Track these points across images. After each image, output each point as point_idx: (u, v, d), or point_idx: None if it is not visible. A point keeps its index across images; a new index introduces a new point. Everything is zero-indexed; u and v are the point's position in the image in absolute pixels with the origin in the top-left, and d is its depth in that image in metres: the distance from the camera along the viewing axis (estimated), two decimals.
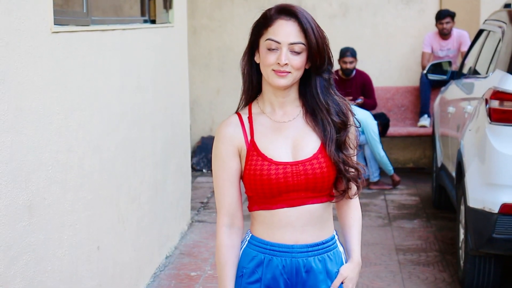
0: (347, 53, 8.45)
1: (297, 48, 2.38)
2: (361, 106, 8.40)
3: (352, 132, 2.46)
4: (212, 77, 9.47)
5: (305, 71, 2.45)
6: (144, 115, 5.25)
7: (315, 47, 2.38)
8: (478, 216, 4.81)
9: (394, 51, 9.38)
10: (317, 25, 2.40)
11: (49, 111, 3.57)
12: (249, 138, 2.43)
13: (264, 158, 2.39)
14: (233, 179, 2.42)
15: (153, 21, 5.66)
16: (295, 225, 2.41)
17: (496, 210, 4.72)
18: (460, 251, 5.39)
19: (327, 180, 2.40)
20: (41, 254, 3.46)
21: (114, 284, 4.57)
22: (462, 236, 5.35)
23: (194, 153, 9.13)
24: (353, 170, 2.42)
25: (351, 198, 2.48)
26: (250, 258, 2.44)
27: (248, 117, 2.46)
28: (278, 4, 2.43)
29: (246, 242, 2.46)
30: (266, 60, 2.40)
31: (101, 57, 4.29)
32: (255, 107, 2.49)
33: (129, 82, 4.88)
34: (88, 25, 4.15)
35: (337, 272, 2.46)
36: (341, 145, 2.42)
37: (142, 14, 5.57)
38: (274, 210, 2.40)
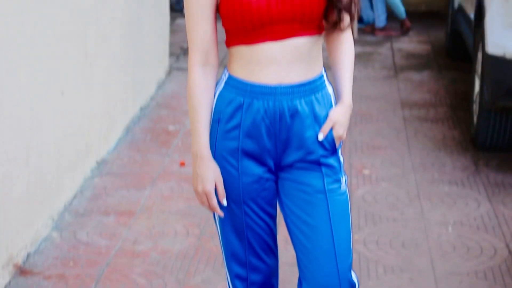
0: None
1: None
2: None
3: None
4: None
5: None
6: None
7: None
8: (498, 64, 4.79)
9: None
10: None
11: None
12: None
13: None
14: (207, 10, 2.36)
15: None
16: (280, 62, 2.36)
17: None
18: (474, 105, 5.42)
19: (317, 8, 2.35)
20: None
21: (81, 135, 4.59)
22: (477, 89, 5.36)
23: None
24: None
25: (342, 31, 2.44)
26: (227, 102, 2.41)
27: None
28: None
29: (223, 83, 2.43)
30: None
31: None
32: None
33: None
34: None
35: (326, 116, 2.43)
36: None
37: None
38: (255, 45, 2.35)
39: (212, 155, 2.42)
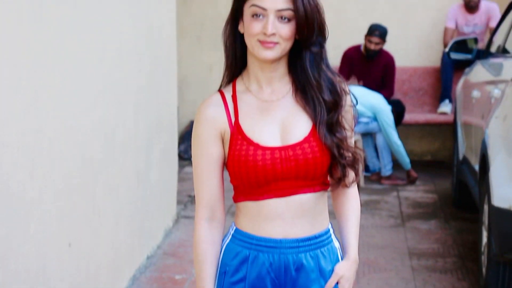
0: (375, 32, 8.45)
1: (286, 14, 2.39)
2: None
3: (347, 111, 2.48)
4: (204, 52, 9.44)
5: (295, 42, 2.44)
6: (125, 92, 5.23)
7: (303, 15, 2.38)
8: (504, 217, 4.80)
9: (413, 25, 9.36)
10: None
11: (15, 85, 3.54)
12: (233, 120, 2.45)
13: (250, 142, 2.42)
14: (214, 167, 2.45)
15: None
16: (285, 218, 2.43)
17: None
18: (482, 257, 5.39)
19: (321, 166, 2.42)
20: (2, 250, 3.44)
21: (87, 286, 4.57)
22: (485, 240, 5.35)
23: (181, 139, 9.11)
24: (349, 154, 2.43)
25: (348, 187, 2.49)
26: (233, 255, 2.47)
27: (232, 95, 2.47)
28: None
29: (230, 236, 2.49)
30: (250, 29, 2.41)
31: (76, 23, 4.27)
32: (239, 84, 2.50)
33: (108, 54, 4.85)
34: None
35: (332, 271, 2.47)
36: (333, 127, 2.43)
37: None
38: (261, 201, 2.43)
39: None
